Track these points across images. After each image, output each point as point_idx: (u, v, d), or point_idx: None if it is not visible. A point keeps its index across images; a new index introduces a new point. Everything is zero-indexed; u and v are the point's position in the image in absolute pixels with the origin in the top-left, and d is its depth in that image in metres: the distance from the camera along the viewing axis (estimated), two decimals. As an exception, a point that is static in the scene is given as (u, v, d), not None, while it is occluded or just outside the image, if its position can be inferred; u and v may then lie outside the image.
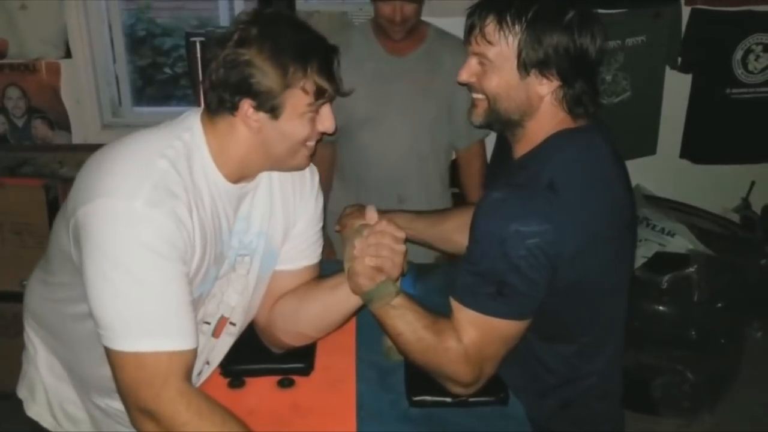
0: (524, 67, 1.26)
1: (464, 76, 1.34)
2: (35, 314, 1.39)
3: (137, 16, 3.51)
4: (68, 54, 2.98)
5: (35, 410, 1.42)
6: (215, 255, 1.27)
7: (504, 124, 1.35)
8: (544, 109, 1.30)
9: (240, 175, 1.27)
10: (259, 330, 1.47)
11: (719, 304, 2.76)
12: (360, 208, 1.75)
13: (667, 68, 3.10)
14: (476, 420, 1.37)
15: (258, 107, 1.18)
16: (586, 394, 1.43)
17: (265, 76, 1.16)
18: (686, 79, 3.13)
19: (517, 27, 1.25)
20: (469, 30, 1.32)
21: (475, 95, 1.35)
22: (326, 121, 1.26)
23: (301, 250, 1.44)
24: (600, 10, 2.89)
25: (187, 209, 1.16)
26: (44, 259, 1.34)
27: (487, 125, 1.38)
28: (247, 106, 1.18)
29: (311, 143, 1.29)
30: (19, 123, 3.07)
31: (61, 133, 3.08)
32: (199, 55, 2.45)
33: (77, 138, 3.08)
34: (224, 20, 3.14)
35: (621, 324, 1.45)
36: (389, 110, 2.20)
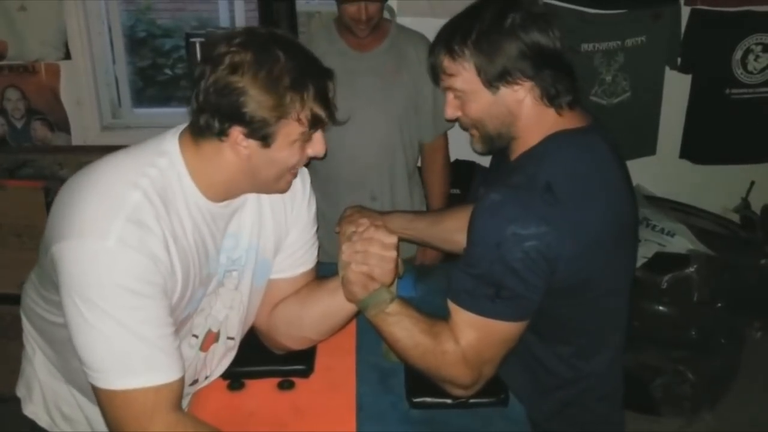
0: (490, 84, 1.28)
1: (450, 113, 1.36)
2: (30, 316, 1.39)
3: (137, 17, 3.51)
4: (68, 55, 2.97)
5: (32, 409, 1.43)
6: (201, 278, 1.25)
7: (500, 142, 1.36)
8: (527, 111, 1.31)
9: (224, 196, 1.25)
10: (260, 334, 1.47)
11: (719, 304, 2.76)
12: (361, 209, 1.75)
13: (667, 69, 3.09)
14: (476, 421, 1.38)
15: (249, 135, 1.15)
16: (585, 394, 1.43)
17: (260, 105, 1.12)
18: (686, 80, 3.12)
19: (466, 51, 1.27)
20: (432, 70, 1.35)
21: (468, 127, 1.37)
22: (317, 145, 1.24)
23: (298, 258, 1.44)
24: (600, 11, 2.92)
25: (162, 242, 1.13)
26: (38, 264, 1.33)
27: (488, 151, 1.39)
28: (237, 133, 1.15)
29: (299, 167, 1.28)
30: (19, 125, 3.07)
31: (60, 135, 3.07)
32: (199, 56, 2.45)
33: (77, 139, 3.07)
34: (224, 21, 3.14)
35: (622, 325, 1.45)
36: (357, 105, 2.20)
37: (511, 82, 1.27)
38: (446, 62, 1.30)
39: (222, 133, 1.15)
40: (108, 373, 1.11)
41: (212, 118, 1.14)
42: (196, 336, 1.35)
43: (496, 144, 1.36)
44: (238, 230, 1.32)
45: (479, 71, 1.27)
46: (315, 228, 1.48)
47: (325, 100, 1.18)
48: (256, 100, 1.11)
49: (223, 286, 1.34)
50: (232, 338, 1.40)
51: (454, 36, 1.29)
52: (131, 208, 1.11)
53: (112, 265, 1.09)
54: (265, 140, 1.16)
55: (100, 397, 1.14)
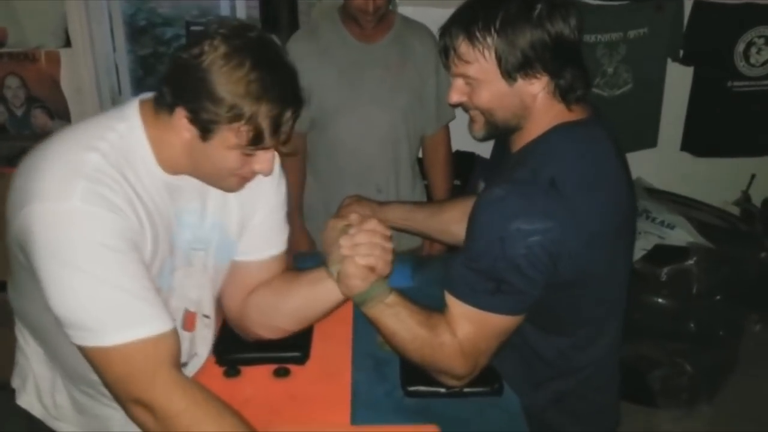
0: (508, 74, 1.24)
1: (455, 98, 1.32)
2: (17, 309, 1.37)
3: (137, 5, 3.50)
4: (68, 43, 2.97)
5: (25, 399, 1.42)
6: (168, 245, 1.24)
7: (504, 131, 1.34)
8: (539, 105, 1.28)
9: (176, 170, 1.23)
10: (230, 321, 1.46)
11: (718, 297, 2.76)
12: (359, 199, 1.75)
13: (669, 60, 3.09)
14: (470, 410, 1.38)
15: (191, 121, 1.13)
16: (581, 385, 1.43)
17: (208, 98, 1.09)
18: (688, 72, 3.12)
19: (488, 39, 1.22)
20: (444, 53, 1.30)
21: (472, 112, 1.34)
22: (263, 164, 1.20)
23: (266, 239, 1.42)
24: (602, 2, 2.91)
25: (126, 200, 1.13)
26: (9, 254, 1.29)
27: (489, 137, 1.37)
28: (182, 114, 1.13)
29: (244, 175, 1.23)
30: (19, 112, 3.07)
31: (60, 123, 3.07)
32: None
33: (77, 128, 3.08)
34: (225, 9, 3.14)
35: (620, 316, 1.44)
36: (362, 98, 2.18)
37: (530, 75, 1.24)
38: (464, 47, 1.25)
39: (171, 110, 1.15)
40: (98, 330, 1.10)
41: (168, 91, 1.14)
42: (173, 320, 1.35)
43: (499, 132, 1.34)
44: (203, 207, 1.31)
45: (500, 60, 1.23)
46: (285, 211, 1.45)
47: (275, 124, 1.13)
48: (206, 92, 1.09)
49: (192, 266, 1.33)
50: (207, 316, 1.40)
51: (476, 21, 1.23)
52: (90, 168, 1.11)
53: (80, 223, 1.08)
54: (204, 133, 1.13)
55: (96, 358, 1.12)
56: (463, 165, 2.81)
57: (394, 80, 2.23)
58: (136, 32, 3.42)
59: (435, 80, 2.29)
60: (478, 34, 1.23)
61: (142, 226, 1.16)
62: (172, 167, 1.21)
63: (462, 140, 2.62)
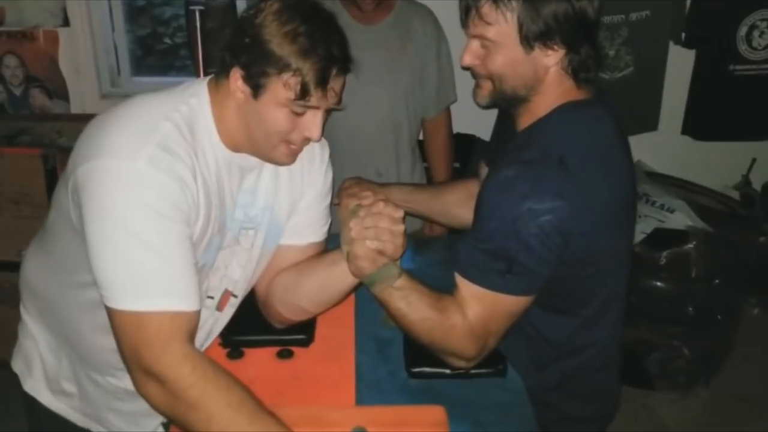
0: (527, 41, 1.23)
1: (467, 60, 1.30)
2: (33, 287, 1.38)
3: (137, -15, 3.46)
4: (66, 22, 2.95)
5: (32, 385, 1.42)
6: (219, 223, 1.26)
7: (510, 102, 1.33)
8: (550, 79, 1.28)
9: (236, 146, 1.25)
10: (259, 304, 1.46)
11: (717, 281, 2.77)
12: (360, 181, 1.74)
13: (671, 43, 3.07)
14: (474, 391, 1.38)
15: (244, 79, 1.17)
16: (584, 365, 1.44)
17: (260, 52, 1.14)
18: (689, 55, 3.10)
19: (513, 2, 1.21)
20: (465, 12, 1.28)
21: (480, 78, 1.32)
22: (309, 128, 1.21)
23: (308, 225, 1.42)
24: (604, -16, 2.89)
25: (191, 172, 1.15)
26: (43, 228, 1.33)
27: (493, 105, 1.35)
28: (237, 74, 1.17)
29: (294, 142, 1.24)
30: (17, 92, 3.05)
31: (59, 103, 3.06)
32: (198, 24, 2.42)
33: (75, 108, 3.06)
34: (223, -11, 3.10)
35: (622, 296, 1.45)
36: (362, 80, 2.17)
37: (548, 46, 1.23)
38: (487, 8, 1.23)
39: (227, 71, 1.18)
40: (125, 294, 1.12)
41: (226, 54, 1.19)
42: (211, 297, 1.36)
43: (506, 102, 1.33)
44: (255, 188, 1.32)
45: (521, 26, 1.22)
46: (329, 199, 1.46)
47: (321, 79, 1.15)
48: (259, 46, 1.14)
49: (239, 244, 1.34)
50: (236, 296, 1.41)
51: None
52: (162, 135, 1.14)
53: (141, 185, 1.10)
54: (256, 89, 1.17)
55: (115, 321, 1.14)
56: (463, 147, 2.80)
57: (394, 62, 2.22)
58: (134, 12, 3.38)
59: (436, 63, 2.28)
60: None
61: (198, 202, 1.18)
62: (232, 142, 1.24)
63: (462, 123, 2.62)
